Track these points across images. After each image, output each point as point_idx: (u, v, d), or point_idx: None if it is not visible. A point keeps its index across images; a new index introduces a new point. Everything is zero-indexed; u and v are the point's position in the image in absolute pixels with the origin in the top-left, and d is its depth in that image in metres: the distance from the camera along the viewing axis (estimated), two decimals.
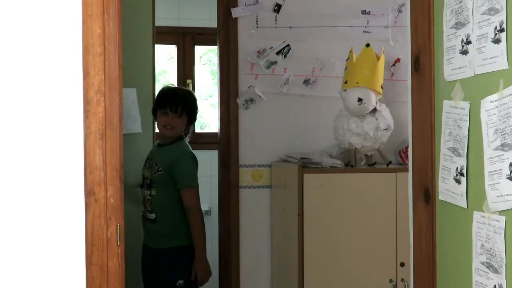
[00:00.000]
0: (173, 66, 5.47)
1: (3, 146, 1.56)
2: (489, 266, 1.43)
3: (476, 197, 1.50)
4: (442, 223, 1.71)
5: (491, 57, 1.41)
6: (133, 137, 3.29)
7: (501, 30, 1.37)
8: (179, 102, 3.24)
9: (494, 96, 1.40)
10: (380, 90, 3.48)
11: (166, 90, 3.32)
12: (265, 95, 3.66)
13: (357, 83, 3.41)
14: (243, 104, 3.63)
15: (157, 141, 3.40)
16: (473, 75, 1.50)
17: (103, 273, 1.60)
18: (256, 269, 3.63)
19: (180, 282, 3.15)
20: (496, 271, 1.40)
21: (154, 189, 3.21)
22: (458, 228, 1.59)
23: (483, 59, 1.44)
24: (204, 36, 5.33)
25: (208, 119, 5.69)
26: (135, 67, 3.14)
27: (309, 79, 3.75)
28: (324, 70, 3.77)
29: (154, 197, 3.21)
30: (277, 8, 3.71)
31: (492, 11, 1.40)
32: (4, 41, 1.56)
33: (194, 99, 3.36)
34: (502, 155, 1.36)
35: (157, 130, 3.44)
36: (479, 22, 1.46)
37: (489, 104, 1.42)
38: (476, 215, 1.49)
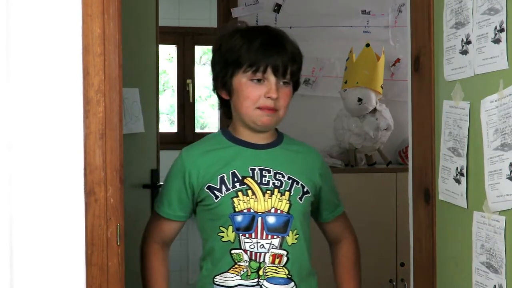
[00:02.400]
0: (173, 66, 5.47)
1: (2, 146, 1.57)
2: (489, 266, 1.43)
3: (476, 197, 1.50)
4: (442, 223, 1.71)
5: (491, 57, 1.41)
6: (135, 137, 3.29)
7: (501, 30, 1.37)
8: None
9: (494, 96, 1.40)
10: (380, 90, 3.48)
11: None
12: None
13: (357, 83, 3.42)
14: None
15: None
16: (473, 75, 1.50)
17: (103, 273, 1.60)
18: None
19: None
20: (496, 271, 1.40)
21: None
22: (458, 228, 1.60)
23: (483, 59, 1.44)
24: (204, 36, 5.33)
25: (208, 119, 5.69)
26: (138, 67, 3.14)
27: (309, 79, 3.75)
28: (324, 70, 3.77)
29: None
30: (277, 8, 3.71)
31: (492, 11, 1.40)
32: (3, 41, 1.57)
33: None
34: (502, 155, 1.36)
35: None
36: (479, 22, 1.46)
37: (489, 104, 1.42)
38: (476, 215, 1.49)
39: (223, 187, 1.82)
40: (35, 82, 1.58)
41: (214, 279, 1.84)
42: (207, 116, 5.69)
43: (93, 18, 1.58)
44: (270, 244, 1.81)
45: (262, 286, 1.82)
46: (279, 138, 1.94)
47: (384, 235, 3.23)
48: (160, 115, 3.59)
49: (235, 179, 1.83)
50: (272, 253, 1.82)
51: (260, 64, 1.79)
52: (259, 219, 1.81)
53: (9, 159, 1.57)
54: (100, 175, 1.59)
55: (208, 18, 5.24)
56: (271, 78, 1.80)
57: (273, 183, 1.84)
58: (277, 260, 1.82)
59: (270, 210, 1.82)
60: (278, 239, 1.82)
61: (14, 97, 1.57)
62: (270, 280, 1.82)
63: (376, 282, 3.23)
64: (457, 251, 1.61)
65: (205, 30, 5.30)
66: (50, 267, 1.59)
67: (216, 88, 1.91)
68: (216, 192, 1.82)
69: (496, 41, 1.38)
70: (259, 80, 1.81)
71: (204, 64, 5.62)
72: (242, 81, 1.82)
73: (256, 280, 1.81)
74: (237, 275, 1.82)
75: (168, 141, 5.15)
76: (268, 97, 1.80)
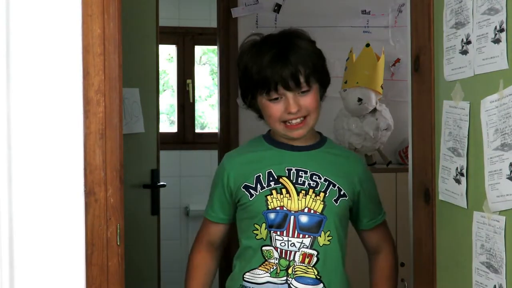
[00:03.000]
0: (173, 66, 5.47)
1: (2, 146, 1.57)
2: (489, 266, 1.43)
3: (476, 197, 1.50)
4: (442, 223, 1.71)
5: (491, 57, 1.41)
6: (135, 137, 3.29)
7: (501, 30, 1.37)
8: None
9: (494, 96, 1.40)
10: (380, 90, 3.48)
11: None
12: None
13: (357, 83, 3.42)
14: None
15: None
16: (473, 75, 1.50)
17: (103, 273, 1.60)
18: None
19: None
20: (496, 271, 1.40)
21: None
22: (458, 228, 1.59)
23: (483, 59, 1.44)
24: (204, 36, 5.33)
25: (208, 119, 5.69)
26: (138, 67, 3.14)
27: None
28: None
29: None
30: (277, 8, 3.71)
31: (492, 11, 1.40)
32: (3, 41, 1.57)
33: None
34: (502, 155, 1.36)
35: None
36: (479, 22, 1.46)
37: (489, 104, 1.42)
38: (476, 215, 1.49)
39: (258, 185, 1.85)
40: (35, 82, 1.58)
41: (244, 276, 1.86)
42: (207, 116, 5.68)
43: (93, 18, 1.59)
44: (301, 243, 1.82)
45: (291, 284, 1.82)
46: (321, 141, 1.96)
47: None
48: (160, 115, 3.59)
49: (271, 178, 1.85)
50: (303, 252, 1.83)
51: (270, 84, 1.80)
52: (292, 217, 1.82)
53: (9, 159, 1.57)
54: (100, 175, 1.59)
55: (208, 18, 5.24)
56: (287, 93, 1.81)
57: (309, 184, 1.85)
58: (307, 260, 1.83)
59: (303, 209, 1.83)
60: (309, 239, 1.83)
61: (14, 97, 1.57)
62: (299, 279, 1.83)
63: None
64: (457, 251, 1.61)
65: (205, 30, 5.30)
66: (50, 266, 1.59)
67: (247, 106, 1.96)
68: (252, 191, 1.85)
69: (496, 41, 1.38)
70: (276, 99, 1.82)
71: (204, 64, 5.62)
72: (263, 101, 1.85)
73: (285, 278, 1.82)
74: (267, 272, 1.83)
75: (168, 141, 5.15)
76: (289, 113, 1.81)
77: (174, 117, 5.47)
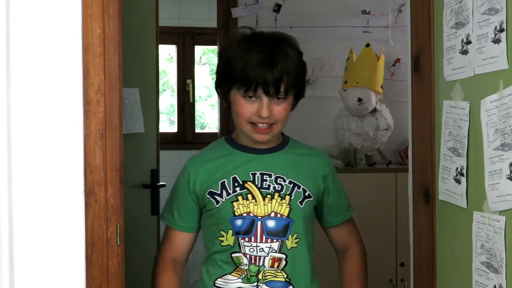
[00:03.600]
0: (173, 66, 5.47)
1: (2, 146, 1.57)
2: (489, 266, 1.43)
3: (476, 197, 1.50)
4: (442, 223, 1.71)
5: (491, 57, 1.41)
6: (135, 137, 3.28)
7: (501, 30, 1.37)
8: None
9: (494, 96, 1.40)
10: (380, 90, 3.48)
11: None
12: None
13: (357, 83, 3.42)
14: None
15: None
16: (473, 75, 1.50)
17: (103, 273, 1.60)
18: None
19: None
20: (496, 271, 1.40)
21: None
22: (458, 228, 1.59)
23: (483, 59, 1.44)
24: (204, 36, 5.33)
25: (208, 119, 5.69)
26: (138, 67, 3.13)
27: (309, 79, 3.75)
28: (324, 70, 3.77)
29: None
30: (277, 8, 3.71)
31: (492, 11, 1.40)
32: (3, 41, 1.56)
33: None
34: (502, 155, 1.36)
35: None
36: (479, 22, 1.46)
37: (489, 104, 1.42)
38: (476, 215, 1.49)
39: (224, 192, 1.83)
40: (35, 82, 1.58)
41: (215, 282, 1.86)
42: (207, 116, 5.69)
43: (93, 18, 1.58)
44: (270, 247, 1.82)
45: None
46: (283, 142, 1.94)
47: (384, 235, 3.23)
48: (160, 115, 3.59)
49: (236, 184, 1.84)
50: (272, 257, 1.83)
51: (251, 83, 1.77)
52: (259, 223, 1.82)
53: (9, 159, 1.57)
54: (100, 175, 1.59)
55: (208, 18, 5.24)
56: (263, 97, 1.78)
57: (274, 187, 1.84)
58: (276, 264, 1.83)
59: (270, 214, 1.83)
60: (277, 243, 1.83)
61: (14, 97, 1.57)
62: (269, 283, 1.83)
63: (376, 282, 3.23)
64: (457, 251, 1.61)
65: (205, 30, 5.30)
66: (50, 266, 1.58)
67: (218, 95, 1.93)
68: (217, 197, 1.83)
69: (496, 41, 1.38)
70: (251, 97, 1.79)
71: (204, 64, 5.62)
72: (236, 96, 1.81)
73: (255, 283, 1.83)
74: (239, 278, 1.83)
75: (168, 141, 5.15)
76: (259, 116, 1.79)
77: (174, 117, 5.47)
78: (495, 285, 1.40)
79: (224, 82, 1.85)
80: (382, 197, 3.24)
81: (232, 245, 1.82)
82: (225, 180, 1.85)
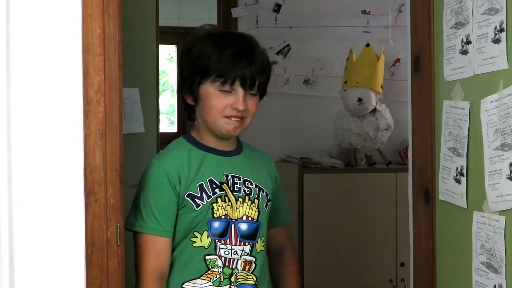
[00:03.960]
0: (173, 66, 5.47)
1: (2, 146, 1.57)
2: (489, 266, 1.43)
3: (476, 197, 1.50)
4: (442, 223, 1.71)
5: (491, 57, 1.41)
6: (135, 137, 3.29)
7: (501, 30, 1.37)
8: None
9: (494, 96, 1.40)
10: (380, 90, 3.48)
11: None
12: None
13: (357, 83, 3.42)
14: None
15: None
16: (473, 75, 1.50)
17: (103, 273, 1.60)
18: None
19: None
20: (496, 271, 1.40)
21: None
22: (458, 228, 1.59)
23: (483, 59, 1.44)
24: None
25: None
26: (138, 67, 3.13)
27: (309, 79, 3.75)
28: (324, 70, 3.77)
29: None
30: (277, 8, 3.71)
31: (492, 11, 1.40)
32: (3, 41, 1.56)
33: None
34: (502, 155, 1.36)
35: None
36: (479, 22, 1.46)
37: (489, 104, 1.42)
38: (476, 215, 1.49)
39: (204, 194, 1.80)
40: (35, 82, 1.58)
41: (183, 286, 1.80)
42: None
43: (93, 18, 1.58)
44: (243, 250, 1.82)
45: None
46: (240, 145, 1.94)
47: (384, 235, 3.23)
48: (160, 115, 3.59)
49: (214, 186, 1.81)
50: (244, 260, 1.82)
51: (229, 76, 1.77)
52: (233, 225, 1.81)
53: (9, 159, 1.57)
54: (100, 175, 1.59)
55: (208, 18, 5.24)
56: (239, 90, 1.78)
57: (244, 191, 1.85)
58: (247, 267, 1.83)
59: (242, 217, 1.83)
60: (249, 246, 1.83)
61: (14, 97, 1.57)
62: (240, 286, 1.82)
63: (376, 282, 3.23)
64: (457, 251, 1.61)
65: None
66: (50, 267, 1.58)
67: (182, 92, 1.88)
68: (197, 200, 1.79)
69: (496, 41, 1.38)
70: (226, 91, 1.79)
71: None
72: (210, 90, 1.79)
73: (228, 286, 1.81)
74: (209, 281, 1.80)
75: (168, 141, 5.14)
76: (235, 108, 1.78)
77: (174, 117, 5.46)
78: (495, 285, 1.40)
79: (194, 77, 1.81)
80: (382, 197, 3.24)
81: (206, 247, 1.79)
82: (202, 182, 1.81)
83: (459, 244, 1.59)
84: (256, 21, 3.68)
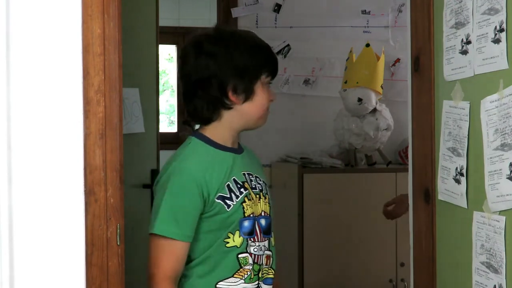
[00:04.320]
0: (173, 66, 5.47)
1: (2, 146, 1.57)
2: (489, 266, 1.43)
3: (476, 197, 1.50)
4: (442, 223, 1.71)
5: (491, 57, 1.41)
6: (135, 137, 3.29)
7: (501, 30, 1.37)
8: None
9: (494, 96, 1.40)
10: (380, 90, 3.48)
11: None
12: None
13: (357, 83, 3.42)
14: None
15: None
16: (473, 75, 1.50)
17: (103, 273, 1.60)
18: None
19: None
20: (496, 271, 1.40)
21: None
22: (458, 228, 1.59)
23: (483, 59, 1.44)
24: None
25: None
26: (138, 67, 3.13)
27: (309, 79, 3.75)
28: (324, 70, 3.77)
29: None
30: (277, 8, 3.71)
31: (492, 11, 1.40)
32: (3, 41, 1.57)
33: None
34: (502, 155, 1.36)
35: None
36: (479, 22, 1.46)
37: (489, 104, 1.42)
38: (476, 215, 1.49)
39: (233, 195, 1.81)
40: (35, 82, 1.58)
41: (217, 286, 1.81)
42: None
43: (93, 18, 1.58)
44: (264, 246, 1.86)
45: (260, 287, 1.85)
46: (239, 143, 1.96)
47: (384, 235, 3.23)
48: (160, 115, 3.59)
49: (239, 185, 1.83)
50: (266, 255, 1.86)
51: (274, 70, 1.87)
52: (256, 222, 1.84)
53: (9, 159, 1.57)
54: (100, 175, 1.59)
55: (208, 18, 5.24)
56: (270, 83, 1.88)
57: (258, 187, 1.88)
58: (268, 261, 1.87)
59: (261, 213, 1.86)
60: (267, 241, 1.87)
61: (14, 97, 1.57)
62: (265, 281, 1.86)
63: (376, 282, 3.23)
64: (457, 251, 1.61)
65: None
66: (50, 267, 1.58)
67: (225, 94, 1.82)
68: (228, 201, 1.80)
69: (496, 41, 1.38)
70: (269, 84, 1.87)
71: None
72: (260, 85, 1.85)
73: (257, 282, 1.84)
74: (241, 279, 1.82)
75: (168, 141, 5.14)
76: (271, 100, 1.88)
77: (174, 117, 5.46)
78: (495, 285, 1.40)
79: (258, 71, 1.85)
80: (382, 197, 3.24)
81: (238, 246, 1.81)
82: (229, 182, 1.81)
83: (459, 244, 1.59)
84: (256, 21, 3.68)
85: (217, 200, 1.79)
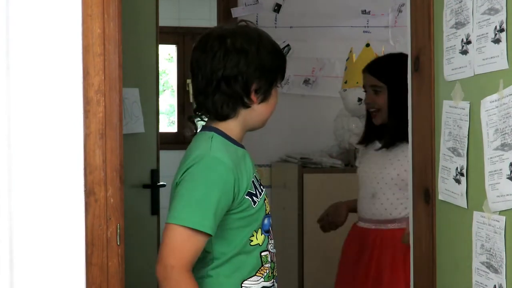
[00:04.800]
0: (173, 66, 5.47)
1: (2, 146, 1.57)
2: (489, 266, 1.43)
3: (476, 197, 1.50)
4: (442, 223, 1.71)
5: (491, 57, 1.41)
6: (135, 137, 3.29)
7: (501, 30, 1.37)
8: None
9: (494, 96, 1.40)
10: None
11: None
12: None
13: (357, 83, 3.42)
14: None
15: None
16: (473, 75, 1.50)
17: (103, 273, 1.60)
18: None
19: None
20: (496, 271, 1.40)
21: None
22: (458, 228, 1.60)
23: (483, 59, 1.44)
24: None
25: None
26: (138, 67, 3.14)
27: (309, 79, 3.75)
28: (324, 70, 3.77)
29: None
30: (277, 8, 3.72)
31: (492, 11, 1.40)
32: (3, 41, 1.57)
33: None
34: (502, 155, 1.36)
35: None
36: (479, 22, 1.46)
37: (489, 104, 1.42)
38: (476, 215, 1.49)
39: (257, 191, 1.79)
40: (35, 82, 1.58)
41: (242, 285, 1.78)
42: None
43: (93, 18, 1.59)
44: (274, 244, 1.88)
45: (274, 285, 1.85)
46: None
47: None
48: (160, 115, 3.59)
49: (258, 182, 1.83)
50: (274, 252, 1.87)
51: (285, 72, 1.89)
52: (270, 220, 1.86)
53: (9, 159, 1.57)
54: (100, 175, 1.59)
55: (208, 18, 5.25)
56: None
57: (262, 185, 1.88)
58: (276, 259, 1.87)
59: (268, 212, 1.86)
60: (274, 239, 1.89)
61: (14, 97, 1.57)
62: (276, 279, 1.88)
63: None
64: (457, 251, 1.61)
65: (205, 30, 5.29)
66: (50, 267, 1.59)
67: (248, 92, 1.80)
68: (254, 198, 1.77)
69: (496, 41, 1.38)
70: (278, 87, 1.89)
71: None
72: (275, 88, 1.87)
73: (273, 280, 1.84)
74: (261, 277, 1.81)
75: (168, 141, 5.15)
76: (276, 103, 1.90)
77: (174, 117, 5.46)
78: (495, 285, 1.40)
79: (269, 78, 1.83)
80: None
81: (261, 244, 1.80)
82: (253, 179, 1.79)
83: (459, 244, 1.59)
84: (256, 21, 3.68)
85: (246, 197, 1.75)
